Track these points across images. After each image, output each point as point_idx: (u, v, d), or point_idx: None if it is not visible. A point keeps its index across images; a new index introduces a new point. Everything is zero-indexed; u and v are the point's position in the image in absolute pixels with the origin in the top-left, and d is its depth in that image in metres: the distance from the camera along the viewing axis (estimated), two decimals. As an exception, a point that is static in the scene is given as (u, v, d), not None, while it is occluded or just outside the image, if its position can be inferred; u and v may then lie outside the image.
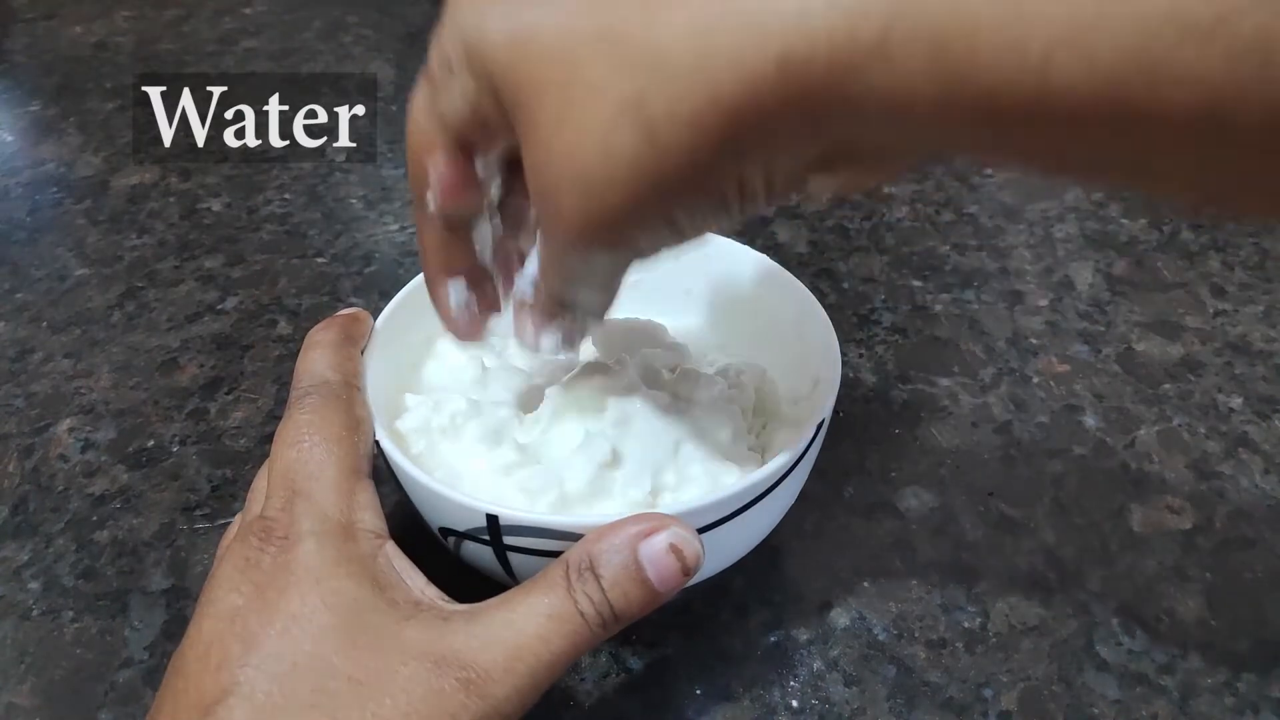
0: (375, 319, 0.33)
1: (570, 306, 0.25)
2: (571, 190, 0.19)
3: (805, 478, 0.31)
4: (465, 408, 0.31)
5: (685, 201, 0.19)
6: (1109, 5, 0.14)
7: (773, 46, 0.16)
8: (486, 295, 0.27)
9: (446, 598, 0.25)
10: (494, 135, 0.22)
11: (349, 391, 0.29)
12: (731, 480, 0.28)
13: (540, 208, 0.21)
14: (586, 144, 0.18)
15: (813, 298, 0.33)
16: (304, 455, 0.26)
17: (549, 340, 0.26)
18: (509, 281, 0.27)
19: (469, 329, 0.27)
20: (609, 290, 0.24)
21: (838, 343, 0.31)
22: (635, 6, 0.18)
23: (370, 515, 0.26)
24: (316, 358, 0.29)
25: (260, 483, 0.29)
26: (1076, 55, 0.14)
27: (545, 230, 0.22)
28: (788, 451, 0.27)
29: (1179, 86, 0.14)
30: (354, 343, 0.31)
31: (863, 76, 0.16)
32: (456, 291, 0.26)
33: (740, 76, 0.16)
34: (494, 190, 0.25)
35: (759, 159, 0.18)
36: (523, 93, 0.19)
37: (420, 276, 0.33)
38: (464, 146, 0.23)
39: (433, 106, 0.22)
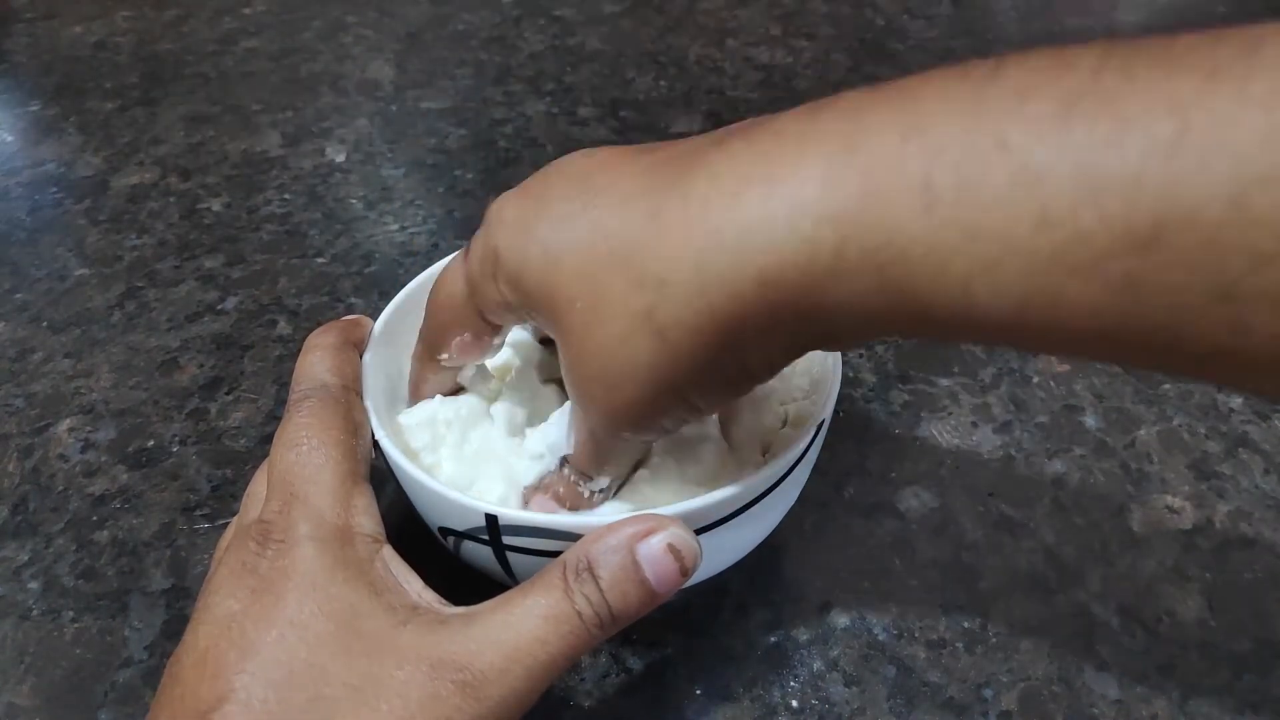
0: (375, 319, 0.33)
1: (586, 486, 0.28)
2: (601, 385, 0.23)
3: (805, 479, 0.31)
4: (475, 401, 0.31)
5: (696, 389, 0.22)
6: (1009, 247, 0.17)
7: (750, 269, 0.19)
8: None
9: (444, 601, 0.25)
10: (519, 318, 0.26)
11: (347, 395, 0.29)
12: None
13: (575, 398, 0.25)
14: (609, 349, 0.22)
15: None
16: (302, 458, 0.26)
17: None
18: None
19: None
20: (625, 469, 0.28)
21: None
22: (643, 230, 0.21)
23: (367, 519, 0.26)
24: (315, 361, 0.29)
25: (255, 487, 0.29)
26: (988, 285, 0.17)
27: (581, 416, 0.26)
28: (787, 453, 0.27)
29: (1073, 311, 0.17)
30: (353, 346, 0.31)
31: (825, 292, 0.19)
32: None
33: (729, 293, 0.20)
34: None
35: (755, 350, 0.21)
36: (556, 307, 0.23)
37: (421, 276, 0.35)
38: (490, 326, 0.27)
39: (469, 292, 0.26)
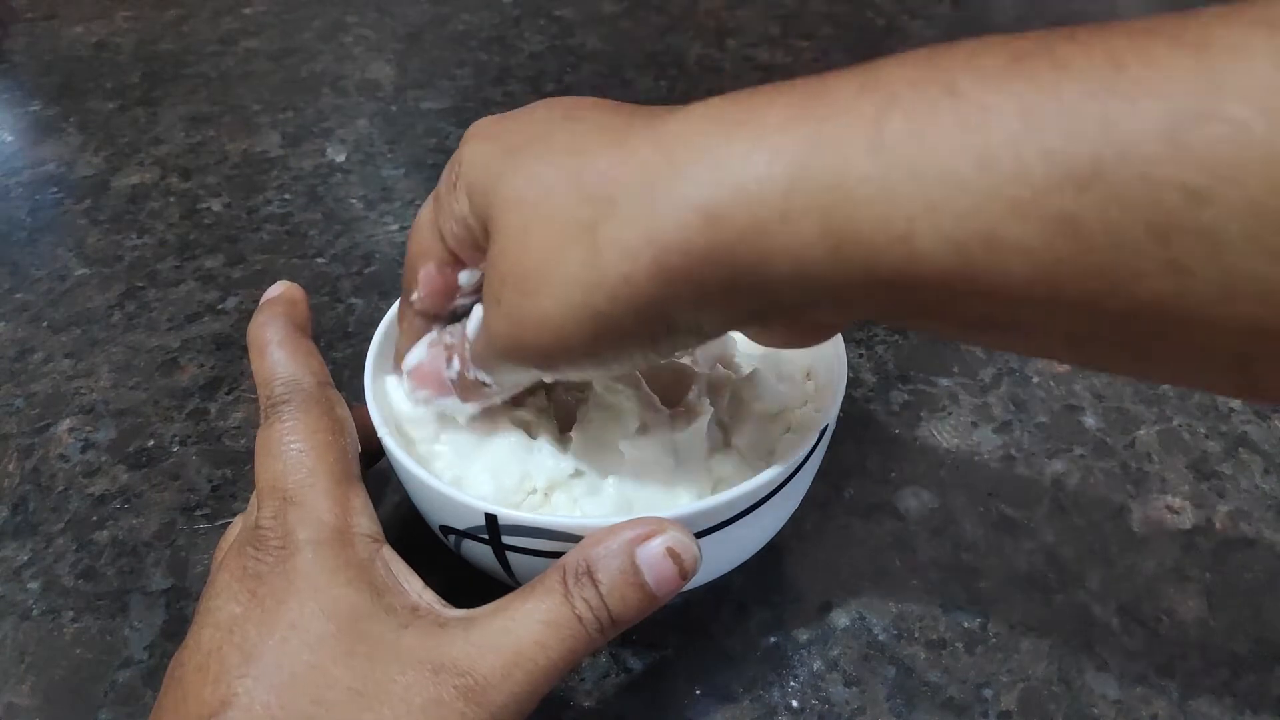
0: (374, 318, 0.33)
1: (470, 373, 0.27)
2: (517, 290, 0.22)
3: (809, 484, 0.30)
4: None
5: (609, 329, 0.22)
6: (952, 185, 0.17)
7: (699, 200, 0.19)
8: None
9: (444, 602, 0.25)
10: (479, 252, 0.25)
11: (325, 392, 0.28)
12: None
13: (486, 299, 0.24)
14: (539, 253, 0.22)
15: None
16: (291, 464, 0.25)
17: (436, 403, 0.29)
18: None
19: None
20: (510, 390, 0.28)
21: (844, 348, 0.31)
22: (605, 153, 0.21)
23: (365, 519, 0.26)
24: (278, 360, 0.28)
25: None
26: (930, 227, 0.17)
27: (486, 320, 0.25)
28: (790, 458, 0.27)
29: (1014, 255, 0.17)
30: (305, 332, 0.30)
31: (769, 238, 0.19)
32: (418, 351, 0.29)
33: (675, 223, 0.20)
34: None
35: (689, 306, 0.21)
36: (502, 203, 0.23)
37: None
38: (454, 260, 0.27)
39: (434, 220, 0.26)
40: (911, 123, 0.17)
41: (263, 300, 0.30)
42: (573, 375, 0.25)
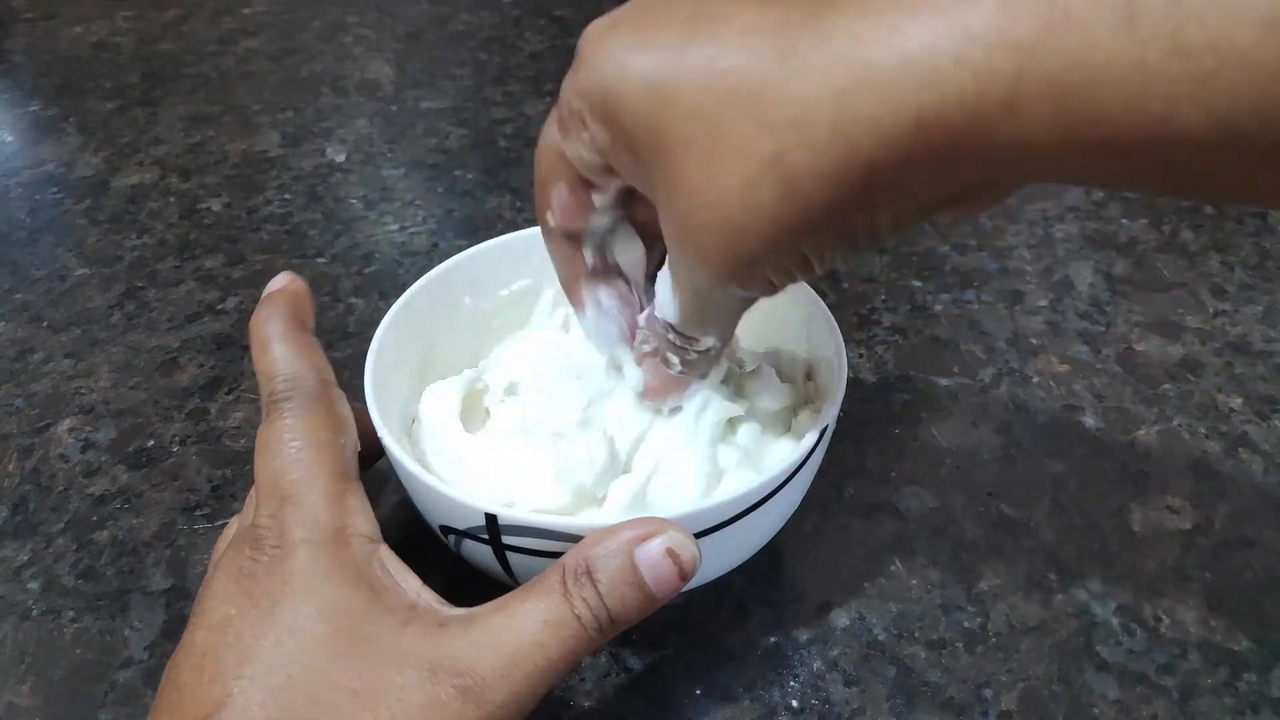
0: (372, 316, 0.33)
1: (691, 349, 0.27)
2: (717, 236, 0.21)
3: (808, 484, 0.30)
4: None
5: (816, 243, 0.21)
6: (1230, 58, 0.15)
7: (908, 109, 0.18)
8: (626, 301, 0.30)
9: (442, 601, 0.25)
10: (617, 179, 0.24)
11: (326, 390, 0.28)
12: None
13: (682, 251, 0.23)
14: (731, 197, 0.20)
15: (821, 303, 0.33)
16: (290, 462, 0.25)
17: (672, 399, 0.29)
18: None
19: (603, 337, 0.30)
20: (730, 329, 0.27)
21: (845, 349, 0.31)
22: (771, 62, 0.19)
23: (362, 519, 0.26)
24: (280, 356, 0.28)
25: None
26: (1196, 105, 0.15)
27: (685, 271, 0.24)
28: (789, 458, 0.27)
29: None
30: (306, 328, 0.29)
31: (992, 130, 0.17)
32: (593, 304, 0.29)
33: (877, 137, 0.18)
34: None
35: (890, 204, 0.20)
36: (664, 149, 0.21)
37: (426, 276, 0.35)
38: (586, 182, 0.26)
39: (557, 139, 0.25)
40: None
41: (265, 293, 0.30)
42: (780, 285, 0.23)
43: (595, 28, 0.22)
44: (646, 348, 0.28)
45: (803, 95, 0.19)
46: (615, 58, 0.21)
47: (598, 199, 0.26)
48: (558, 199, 0.26)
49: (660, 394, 0.29)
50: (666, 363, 0.28)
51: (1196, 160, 0.16)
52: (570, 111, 0.23)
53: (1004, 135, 0.17)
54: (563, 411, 0.30)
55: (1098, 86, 0.16)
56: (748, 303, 0.25)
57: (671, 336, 0.27)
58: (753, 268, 0.22)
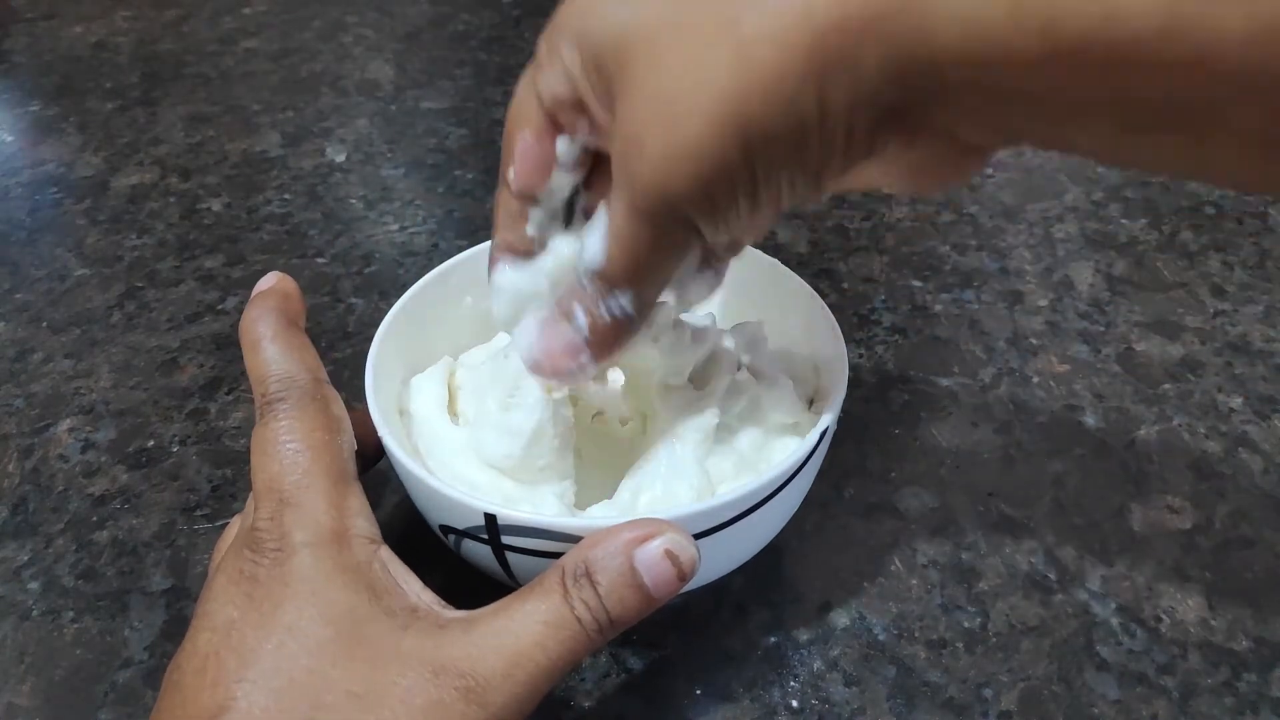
0: (369, 316, 0.32)
1: (606, 306, 0.25)
2: (660, 126, 0.20)
3: (809, 485, 0.30)
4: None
5: (766, 146, 0.20)
6: None
7: None
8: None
9: (443, 603, 0.25)
10: (584, 114, 0.24)
11: (321, 389, 0.27)
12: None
13: (621, 168, 0.22)
14: (679, 75, 0.20)
15: (821, 303, 0.33)
16: (288, 464, 0.25)
17: (572, 361, 0.26)
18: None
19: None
20: (654, 292, 0.25)
21: (845, 350, 0.31)
22: None
23: (363, 521, 0.26)
24: (272, 356, 0.27)
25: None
26: None
27: (623, 192, 0.22)
28: (788, 460, 0.27)
29: (1236, 7, 0.14)
30: (298, 326, 0.29)
31: (938, 8, 0.17)
32: (502, 271, 0.28)
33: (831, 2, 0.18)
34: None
35: (842, 88, 0.19)
36: (628, 52, 0.21)
37: (426, 276, 0.35)
38: (553, 126, 0.25)
39: (533, 86, 0.24)
40: None
41: (255, 292, 0.30)
42: (725, 225, 0.22)
43: None
44: (556, 305, 0.26)
45: None
46: (595, 2, 0.22)
47: (562, 148, 0.25)
48: (522, 145, 0.25)
49: (551, 363, 0.26)
50: (570, 317, 0.25)
51: (1135, 61, 0.16)
52: (549, 48, 0.23)
53: (954, 12, 0.17)
54: (489, 393, 0.30)
55: None
56: (678, 254, 0.24)
57: (588, 284, 0.24)
58: (695, 168, 0.20)
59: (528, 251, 0.28)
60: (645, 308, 0.25)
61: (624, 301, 0.24)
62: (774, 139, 0.20)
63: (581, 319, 0.25)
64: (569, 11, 0.23)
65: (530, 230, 0.27)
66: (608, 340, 0.25)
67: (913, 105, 0.19)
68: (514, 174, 0.26)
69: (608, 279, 0.24)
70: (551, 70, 0.23)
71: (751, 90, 0.19)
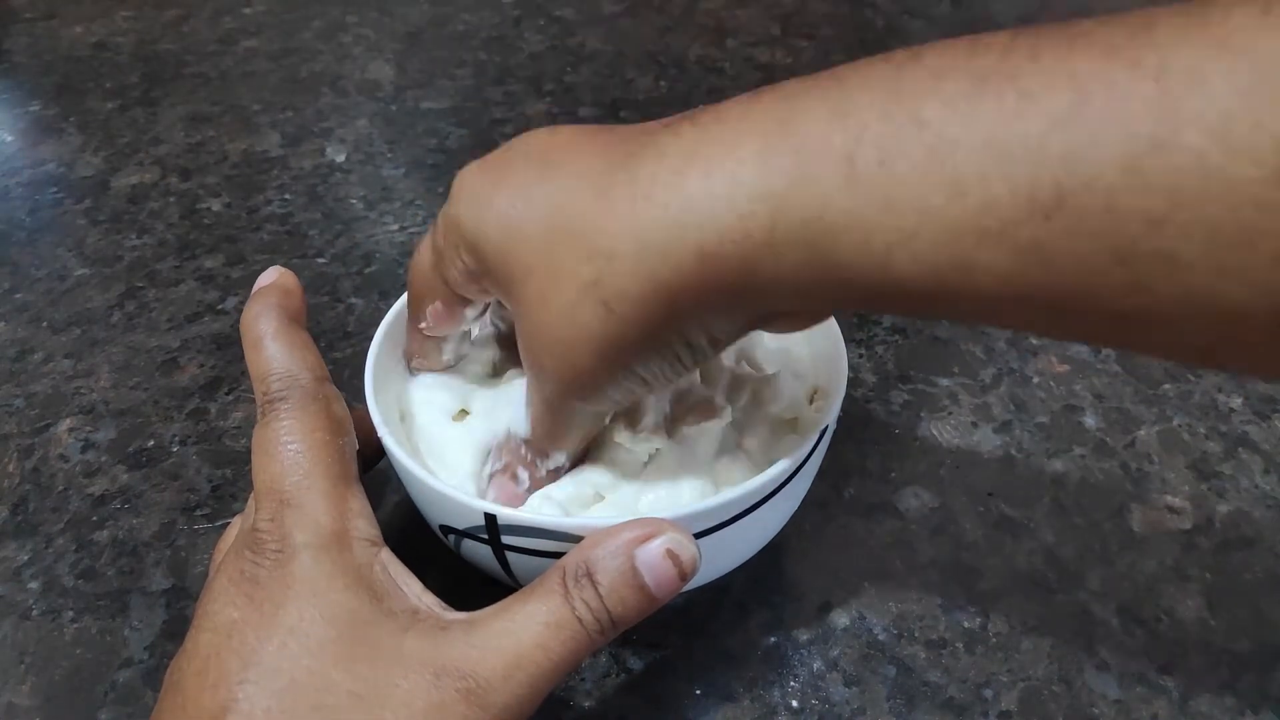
0: (368, 314, 0.33)
1: (541, 465, 0.29)
2: (551, 355, 0.24)
3: (809, 484, 0.30)
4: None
5: (643, 360, 0.23)
6: (924, 215, 0.18)
7: (692, 243, 0.20)
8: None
9: (444, 604, 0.25)
10: (484, 291, 0.27)
11: (323, 389, 0.27)
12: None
13: (529, 368, 0.26)
14: (560, 318, 0.23)
15: None
16: (289, 464, 0.25)
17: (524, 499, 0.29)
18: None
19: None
20: (579, 444, 0.28)
21: (845, 349, 0.31)
22: (592, 201, 0.22)
23: (364, 522, 0.25)
24: (274, 354, 0.27)
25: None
26: (906, 254, 0.18)
27: (536, 384, 0.26)
28: (788, 458, 0.27)
29: (985, 277, 0.18)
30: (299, 324, 0.29)
31: (759, 267, 0.20)
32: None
33: (672, 267, 0.21)
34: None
35: (696, 324, 0.22)
36: (513, 277, 0.24)
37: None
38: (459, 298, 0.28)
39: (436, 268, 0.27)
40: (882, 156, 0.18)
41: (255, 288, 0.29)
42: (626, 402, 0.26)
43: (468, 169, 0.26)
44: (499, 465, 0.29)
45: (613, 230, 0.22)
46: (480, 196, 0.25)
47: (469, 311, 0.29)
48: (433, 313, 0.29)
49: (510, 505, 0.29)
50: (515, 479, 0.29)
51: (923, 299, 0.19)
52: (448, 239, 0.26)
53: (769, 273, 0.20)
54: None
55: (833, 234, 0.19)
56: (597, 419, 0.28)
57: (524, 451, 0.28)
58: (591, 382, 0.24)
59: (446, 367, 0.32)
60: (574, 453, 0.29)
61: (556, 456, 0.28)
62: (651, 361, 0.23)
63: (524, 478, 0.29)
64: (462, 209, 0.25)
65: (447, 357, 0.32)
66: (550, 479, 0.29)
67: (764, 316, 0.23)
68: (426, 327, 0.29)
69: (536, 447, 0.28)
70: (453, 265, 0.26)
71: (624, 336, 0.22)
